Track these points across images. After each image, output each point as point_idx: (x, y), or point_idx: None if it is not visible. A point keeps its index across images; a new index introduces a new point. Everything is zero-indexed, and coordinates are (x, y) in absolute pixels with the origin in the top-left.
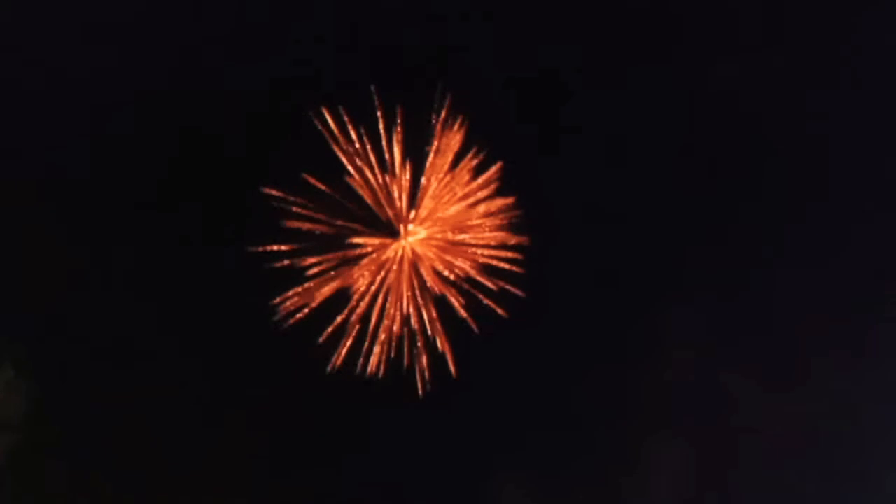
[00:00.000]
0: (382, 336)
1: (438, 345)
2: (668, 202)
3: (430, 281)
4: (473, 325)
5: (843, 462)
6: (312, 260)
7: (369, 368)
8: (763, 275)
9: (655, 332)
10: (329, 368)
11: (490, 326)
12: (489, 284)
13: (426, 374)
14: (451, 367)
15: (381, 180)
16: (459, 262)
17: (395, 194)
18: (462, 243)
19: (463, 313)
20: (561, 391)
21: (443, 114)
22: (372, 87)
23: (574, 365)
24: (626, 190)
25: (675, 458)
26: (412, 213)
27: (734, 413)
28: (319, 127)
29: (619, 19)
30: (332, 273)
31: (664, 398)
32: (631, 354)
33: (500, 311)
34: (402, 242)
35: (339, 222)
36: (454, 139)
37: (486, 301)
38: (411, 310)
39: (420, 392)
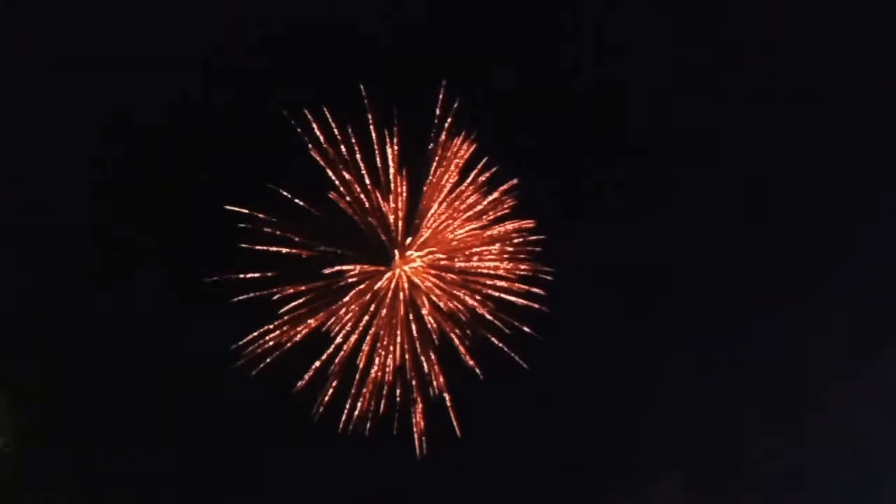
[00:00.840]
0: (370, 386)
1: (436, 392)
2: (672, 237)
3: (429, 318)
4: (480, 374)
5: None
6: (286, 292)
7: (353, 424)
8: (766, 310)
9: (660, 370)
10: (313, 415)
11: (502, 374)
12: (500, 324)
13: (423, 431)
14: (455, 426)
15: (372, 196)
16: (465, 297)
17: (389, 213)
18: (469, 273)
19: (469, 360)
20: (566, 438)
21: (449, 118)
22: (361, 85)
23: (581, 411)
24: (635, 219)
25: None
26: (409, 237)
27: (735, 448)
28: (298, 131)
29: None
30: (311, 308)
31: (667, 438)
32: (638, 394)
33: (517, 357)
34: (397, 271)
35: (320, 246)
36: (461, 149)
37: (498, 344)
38: (406, 354)
39: (417, 453)
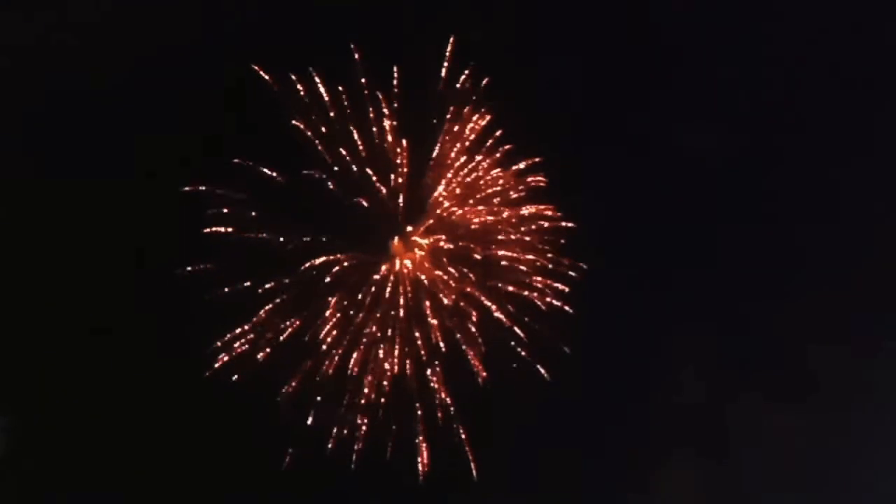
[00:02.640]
0: (362, 402)
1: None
2: (674, 230)
3: (434, 320)
4: (485, 382)
5: (843, 487)
6: (260, 287)
7: (340, 449)
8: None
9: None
10: (285, 463)
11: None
12: (519, 330)
13: (424, 456)
14: (469, 455)
15: (365, 171)
16: (478, 294)
17: (386, 192)
18: (485, 266)
19: (481, 372)
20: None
21: (459, 80)
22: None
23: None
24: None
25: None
26: (411, 221)
27: (738, 439)
28: (275, 92)
29: None
30: (290, 307)
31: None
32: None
33: (540, 369)
34: (396, 262)
35: (302, 233)
36: (475, 117)
37: (517, 350)
38: (407, 364)
39: (420, 477)
